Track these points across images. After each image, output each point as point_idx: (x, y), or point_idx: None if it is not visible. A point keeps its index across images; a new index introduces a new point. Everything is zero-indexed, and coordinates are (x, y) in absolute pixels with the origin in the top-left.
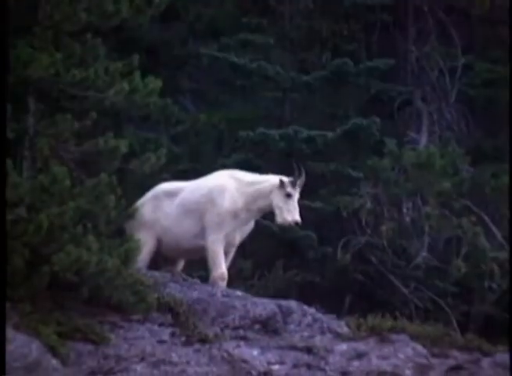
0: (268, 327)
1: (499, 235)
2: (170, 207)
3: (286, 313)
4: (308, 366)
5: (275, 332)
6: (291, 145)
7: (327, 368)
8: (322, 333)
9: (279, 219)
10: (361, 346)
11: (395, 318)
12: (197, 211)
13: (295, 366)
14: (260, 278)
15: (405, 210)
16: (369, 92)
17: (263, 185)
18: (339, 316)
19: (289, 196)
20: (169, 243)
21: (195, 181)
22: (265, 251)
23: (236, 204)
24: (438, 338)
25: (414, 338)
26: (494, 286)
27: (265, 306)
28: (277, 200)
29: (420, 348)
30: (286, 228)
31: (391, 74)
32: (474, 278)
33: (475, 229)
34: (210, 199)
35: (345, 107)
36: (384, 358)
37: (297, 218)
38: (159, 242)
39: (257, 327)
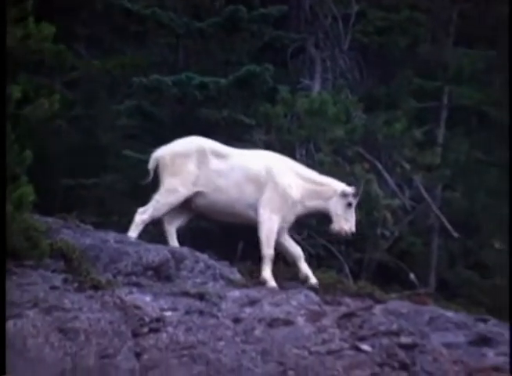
0: (160, 273)
1: (391, 182)
2: (220, 167)
3: (179, 260)
4: (201, 313)
5: (168, 278)
6: (184, 91)
7: (219, 315)
8: (215, 279)
9: (336, 227)
10: (253, 293)
11: (288, 265)
12: (257, 182)
13: (187, 312)
14: (153, 224)
15: (298, 157)
16: (262, 38)
17: (324, 188)
18: (232, 262)
19: (349, 205)
20: (217, 202)
21: (243, 150)
22: None
23: (296, 194)
24: (330, 285)
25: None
26: (386, 233)
27: (157, 252)
28: (337, 207)
29: (312, 295)
30: (339, 237)
31: (285, 20)
32: (367, 225)
33: (368, 176)
34: (271, 176)
35: (238, 54)
36: (277, 305)
37: (354, 228)
38: (195, 196)
39: (149, 273)
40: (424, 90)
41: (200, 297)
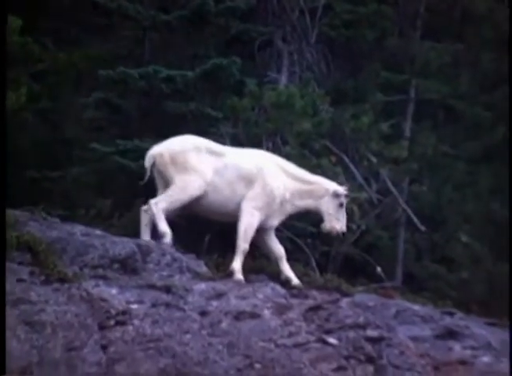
0: (127, 266)
1: (358, 175)
2: (216, 165)
3: (146, 253)
4: (167, 306)
5: (134, 271)
6: (151, 84)
7: (186, 307)
8: (181, 272)
9: (327, 226)
10: (220, 286)
11: (254, 258)
12: (248, 180)
13: (154, 305)
14: (119, 217)
15: (264, 150)
16: (229, 32)
17: (316, 187)
18: (198, 255)
19: (341, 205)
20: (213, 202)
21: (235, 149)
22: (124, 190)
23: (285, 194)
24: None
25: (273, 278)
26: (353, 226)
27: (124, 245)
28: (329, 207)
29: (279, 288)
30: (331, 235)
31: (252, 14)
32: None
33: (334, 169)
34: (261, 175)
35: (205, 47)
36: (243, 298)
37: (345, 228)
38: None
39: (116, 266)
40: (391, 83)
41: (167, 290)
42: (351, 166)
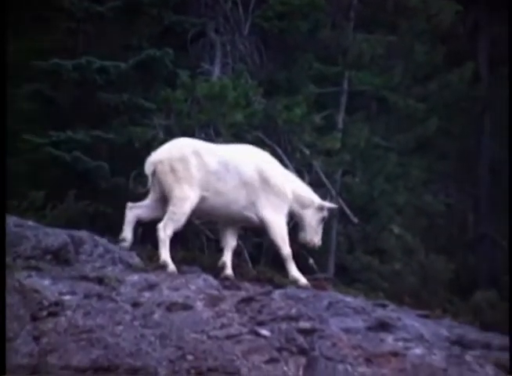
0: (59, 257)
1: (291, 167)
2: (217, 169)
3: (78, 244)
4: (99, 297)
5: (67, 262)
6: (84, 75)
7: (118, 299)
8: (114, 263)
9: (307, 237)
10: (152, 277)
11: (187, 249)
12: (251, 185)
13: (86, 296)
14: (52, 209)
15: None
16: (162, 23)
17: (304, 195)
18: (131, 246)
19: (323, 219)
20: (215, 205)
21: (229, 146)
22: (57, 181)
23: (290, 193)
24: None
25: (206, 269)
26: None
27: (56, 237)
28: (312, 219)
29: (211, 279)
30: (306, 246)
31: (185, 5)
32: None
33: None
34: (263, 179)
35: (139, 38)
36: (175, 289)
37: (320, 242)
38: (201, 200)
39: (48, 257)
40: (324, 75)
41: (99, 281)
42: (284, 157)
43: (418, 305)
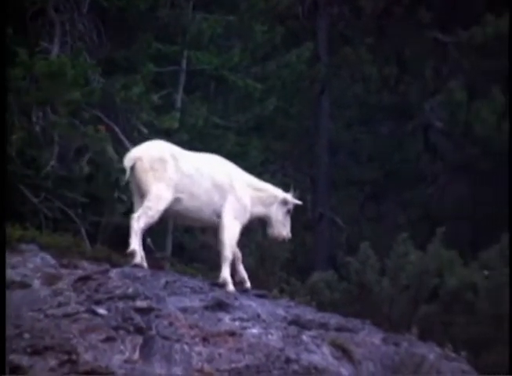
0: None
1: (129, 146)
2: (191, 172)
3: None
4: None
5: None
6: None
7: None
8: None
9: (275, 232)
10: None
11: (25, 228)
12: (222, 190)
13: None
14: None
15: (34, 119)
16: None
17: (265, 194)
18: None
19: (288, 212)
20: (189, 208)
21: (198, 154)
22: None
23: (249, 203)
24: (66, 248)
25: (43, 248)
26: (123, 197)
27: None
28: (278, 214)
29: (49, 258)
30: (276, 242)
31: None
32: (104, 188)
33: (100, 136)
34: (232, 187)
35: None
36: (13, 267)
37: (290, 234)
38: (176, 201)
39: None
40: (163, 54)
41: None
42: (122, 137)
43: (255, 285)
